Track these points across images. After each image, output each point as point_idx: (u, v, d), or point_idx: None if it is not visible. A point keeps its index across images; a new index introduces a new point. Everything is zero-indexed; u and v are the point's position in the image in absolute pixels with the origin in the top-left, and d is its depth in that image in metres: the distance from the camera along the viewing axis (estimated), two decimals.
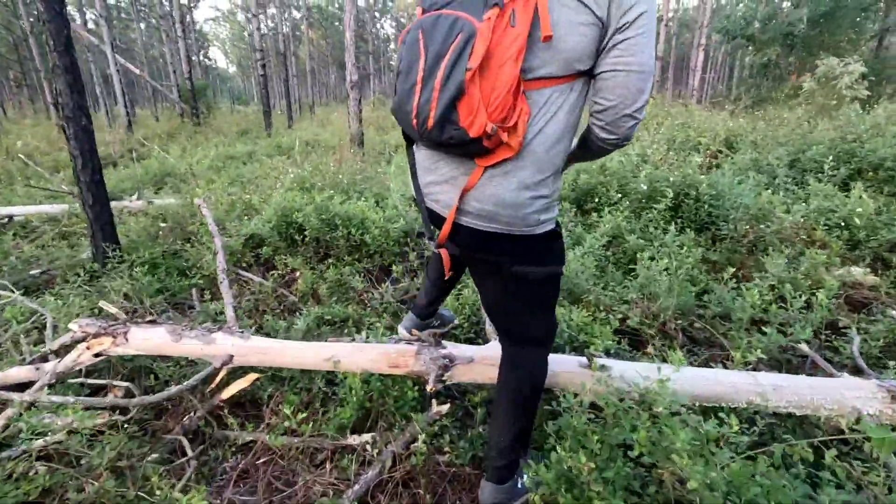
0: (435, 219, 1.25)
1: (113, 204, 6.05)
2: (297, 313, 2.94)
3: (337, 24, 40.88)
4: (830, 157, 4.04)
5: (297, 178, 4.13)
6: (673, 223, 3.50)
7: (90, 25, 33.06)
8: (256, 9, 13.17)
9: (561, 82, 1.01)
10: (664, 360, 2.03)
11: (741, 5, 12.10)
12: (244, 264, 3.44)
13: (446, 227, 1.17)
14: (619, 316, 2.35)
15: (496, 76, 0.92)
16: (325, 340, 2.06)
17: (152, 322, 2.05)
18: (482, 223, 1.13)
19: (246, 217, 3.98)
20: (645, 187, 3.68)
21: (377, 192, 4.30)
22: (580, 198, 4.10)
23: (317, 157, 6.31)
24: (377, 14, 47.75)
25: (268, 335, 2.27)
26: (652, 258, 2.81)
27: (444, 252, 1.23)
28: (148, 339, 1.97)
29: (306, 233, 3.37)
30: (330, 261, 3.26)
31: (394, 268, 3.23)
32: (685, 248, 2.96)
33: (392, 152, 9.02)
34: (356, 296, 2.97)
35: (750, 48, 11.65)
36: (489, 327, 2.23)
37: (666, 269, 2.58)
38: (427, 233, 1.28)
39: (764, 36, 10.86)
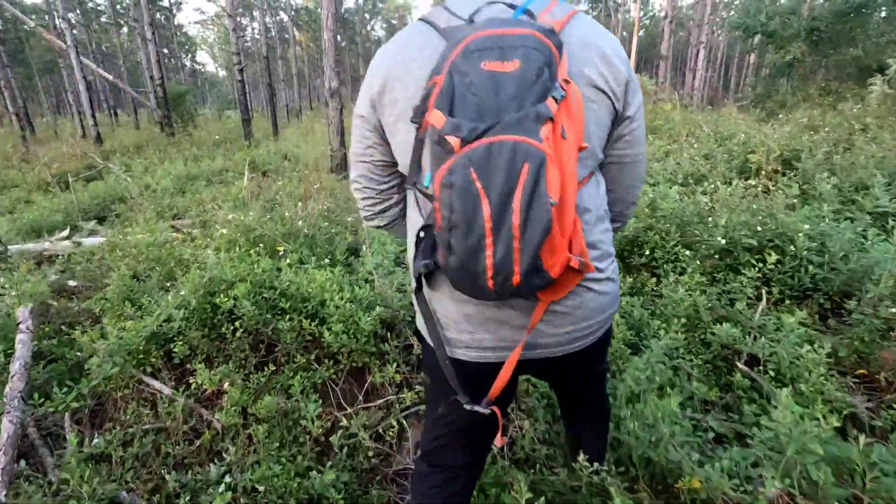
0: (473, 370, 1.01)
1: (29, 246, 5.02)
2: (215, 461, 1.89)
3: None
4: None
5: (241, 228, 3.04)
6: (764, 293, 2.46)
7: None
8: (233, 9, 12.06)
9: (590, 177, 0.97)
10: None
11: None
12: (149, 367, 2.36)
13: (505, 375, 0.96)
14: None
15: (568, 200, 0.80)
16: None
17: None
18: (561, 348, 0.99)
19: (169, 285, 2.91)
20: (722, 240, 2.63)
21: (349, 244, 3.22)
22: (623, 248, 3.05)
23: (283, 181, 5.22)
24: (367, 15, 46.73)
25: None
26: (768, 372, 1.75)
27: (496, 410, 0.99)
28: None
29: (239, 322, 2.29)
30: (270, 369, 2.17)
31: (371, 374, 2.17)
32: (810, 347, 1.91)
33: None
34: (309, 438, 1.91)
35: (770, 45, 10.68)
36: None
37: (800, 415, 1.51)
38: (461, 391, 0.97)
39: (786, 32, 9.88)
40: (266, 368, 2.17)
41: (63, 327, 2.98)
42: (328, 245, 3.26)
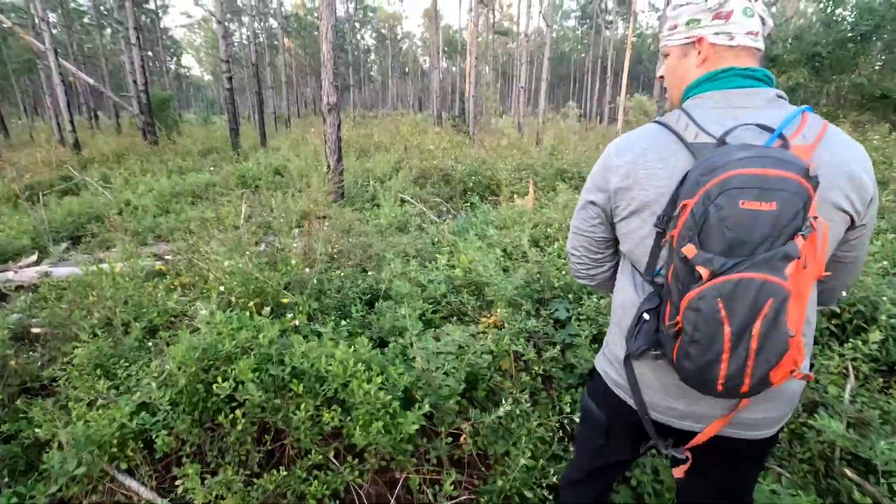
0: (664, 428, 1.11)
1: None
2: None
3: (316, 33, 39.44)
4: None
5: (239, 277, 2.60)
6: (851, 367, 2.13)
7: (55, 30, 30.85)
8: (221, 15, 11.60)
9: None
10: None
11: None
12: (126, 464, 1.91)
13: (699, 439, 1.04)
14: None
15: (801, 324, 0.86)
16: None
17: None
18: (750, 432, 1.04)
19: (151, 344, 2.46)
20: None
21: (362, 290, 2.81)
22: None
23: (278, 203, 4.78)
24: (357, 24, 46.50)
25: None
26: None
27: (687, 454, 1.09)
28: None
29: (239, 411, 1.86)
30: (281, 474, 1.75)
31: (406, 475, 1.76)
32: None
33: (377, 186, 7.54)
34: None
35: (773, 69, 10.61)
36: None
37: None
38: (656, 438, 1.11)
39: (790, 57, 9.82)
40: (275, 472, 1.74)
41: (23, 392, 2.52)
42: (337, 294, 2.85)
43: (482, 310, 2.66)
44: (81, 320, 2.93)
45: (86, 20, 31.21)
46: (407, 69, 61.25)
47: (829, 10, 10.15)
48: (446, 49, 46.17)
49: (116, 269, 3.67)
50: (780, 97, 0.96)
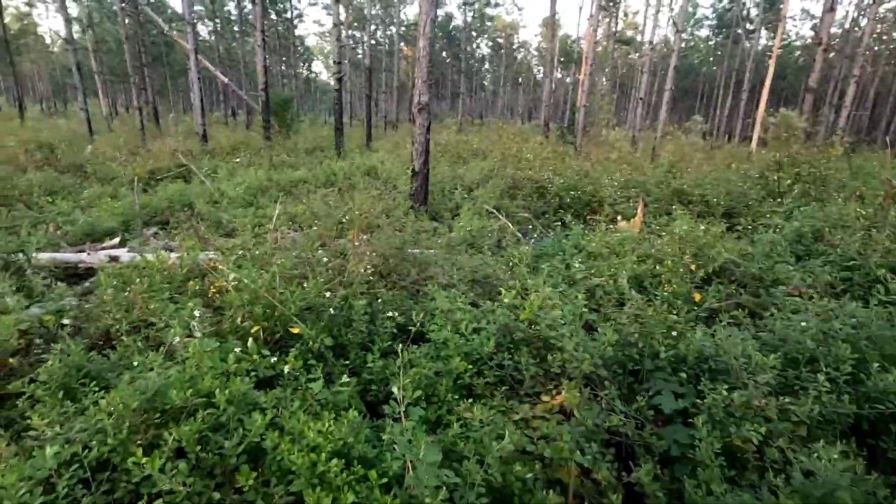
0: None
1: (67, 256, 4.47)
2: None
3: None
4: None
5: (248, 294, 2.10)
6: None
7: (203, 35, 35.16)
8: (336, 17, 11.88)
9: None
10: None
11: None
12: None
13: None
14: None
15: None
16: None
17: None
18: None
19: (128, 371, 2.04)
20: None
21: (396, 326, 2.17)
22: None
23: (335, 210, 4.35)
24: (474, 33, 46.81)
25: None
26: None
27: None
28: None
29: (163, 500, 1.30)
30: None
31: None
32: None
33: (463, 195, 6.93)
34: None
35: None
36: None
37: None
38: None
39: None
40: None
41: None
42: (368, 326, 2.24)
43: (545, 380, 1.88)
44: (99, 318, 2.66)
45: (235, 28, 35.04)
46: (520, 79, 60.53)
47: None
48: (562, 59, 44.65)
49: (169, 261, 3.45)
50: None
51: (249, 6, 29.97)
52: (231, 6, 33.85)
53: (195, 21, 15.16)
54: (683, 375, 1.94)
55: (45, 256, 4.01)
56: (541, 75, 53.24)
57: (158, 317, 2.49)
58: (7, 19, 25.62)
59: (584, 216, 6.47)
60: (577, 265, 2.77)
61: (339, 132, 13.88)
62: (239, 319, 2.17)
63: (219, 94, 37.52)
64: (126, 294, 2.67)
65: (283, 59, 37.62)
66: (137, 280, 2.88)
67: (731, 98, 34.94)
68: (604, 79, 31.31)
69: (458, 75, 38.00)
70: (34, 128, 15.30)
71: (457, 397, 1.71)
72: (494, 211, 5.82)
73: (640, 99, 20.48)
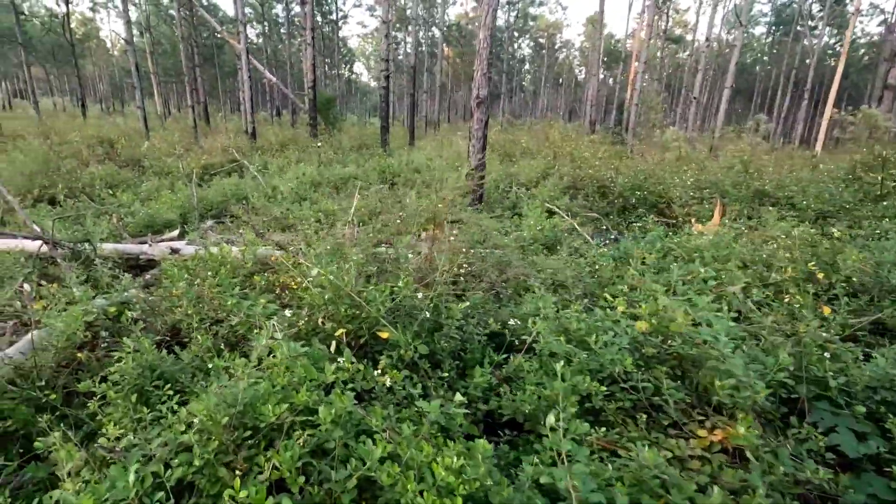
0: None
1: (129, 247, 4.41)
2: None
3: (474, 41, 40.13)
4: None
5: (331, 293, 1.88)
6: None
7: (251, 37, 36.11)
8: (385, 14, 11.78)
9: None
10: None
11: None
12: None
13: None
14: None
15: None
16: None
17: None
18: None
19: (207, 375, 1.85)
20: None
21: (499, 331, 1.89)
22: None
23: (409, 205, 4.11)
24: (515, 33, 46.24)
25: None
26: None
27: None
28: None
29: None
30: None
31: None
32: None
33: (520, 193, 6.61)
34: None
35: None
36: None
37: None
38: None
39: None
40: None
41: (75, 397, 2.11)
42: (458, 333, 1.98)
43: (695, 411, 1.55)
44: (166, 313, 2.51)
45: (282, 30, 35.87)
46: (561, 80, 59.43)
47: None
48: (605, 59, 43.45)
49: (232, 255, 3.31)
50: None
51: (297, 9, 30.60)
52: (279, 8, 34.66)
53: (246, 22, 15.43)
54: (862, 409, 1.57)
55: (108, 247, 3.96)
56: (582, 75, 52.05)
57: (228, 312, 2.31)
58: (73, 24, 27.07)
59: (651, 218, 6.04)
60: (676, 272, 2.37)
61: (384, 130, 13.79)
62: (319, 320, 1.94)
63: (264, 93, 38.48)
64: (195, 287, 2.51)
65: (327, 60, 38.21)
66: (209, 273, 2.73)
67: (788, 99, 33.07)
68: (655, 80, 30.20)
69: (500, 76, 37.60)
70: (95, 125, 15.96)
71: (586, 424, 1.42)
72: (558, 210, 5.48)
73: (695, 98, 19.56)
